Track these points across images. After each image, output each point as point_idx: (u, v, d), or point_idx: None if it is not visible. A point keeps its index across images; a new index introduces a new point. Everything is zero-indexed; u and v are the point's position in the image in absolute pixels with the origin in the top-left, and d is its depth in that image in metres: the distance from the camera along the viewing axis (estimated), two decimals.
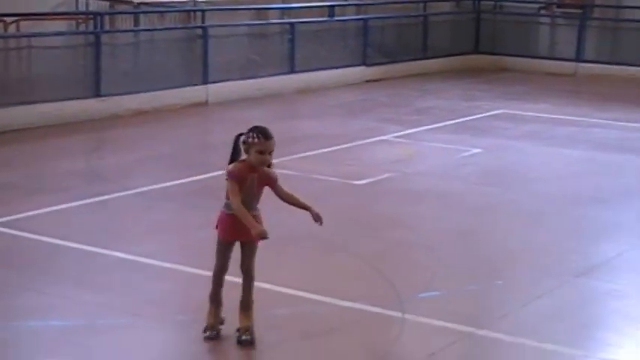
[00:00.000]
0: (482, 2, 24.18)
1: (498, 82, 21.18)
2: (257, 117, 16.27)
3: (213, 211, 11.25)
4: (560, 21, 23.71)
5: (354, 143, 14.69)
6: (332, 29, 20.64)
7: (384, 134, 15.40)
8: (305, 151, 13.85)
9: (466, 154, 14.30)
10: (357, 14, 21.53)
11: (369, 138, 15.06)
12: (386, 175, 12.75)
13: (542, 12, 24.13)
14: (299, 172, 12.61)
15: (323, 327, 7.78)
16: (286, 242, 9.29)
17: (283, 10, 20.29)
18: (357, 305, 8.15)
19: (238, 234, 7.12)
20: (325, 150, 14.13)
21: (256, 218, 7.02)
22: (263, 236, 6.89)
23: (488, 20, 23.93)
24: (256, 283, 8.33)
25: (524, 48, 23.27)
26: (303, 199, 7.16)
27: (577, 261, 9.77)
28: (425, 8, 23.03)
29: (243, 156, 7.07)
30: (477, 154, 14.30)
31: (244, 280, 7.34)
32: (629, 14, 22.77)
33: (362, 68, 20.62)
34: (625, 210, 11.68)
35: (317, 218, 7.12)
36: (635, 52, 22.08)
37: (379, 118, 16.78)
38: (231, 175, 6.98)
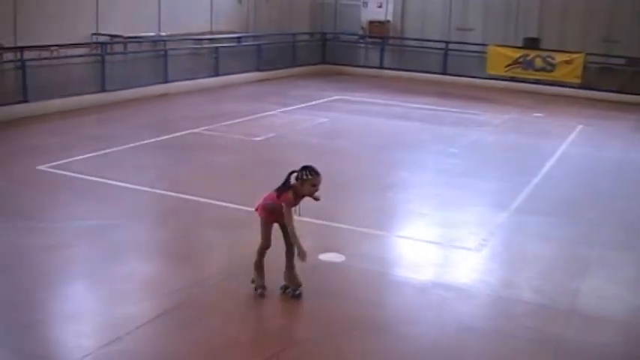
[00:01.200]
0: (327, 34, 24.10)
1: (336, 81, 21.08)
2: (198, 101, 16.05)
3: (179, 157, 11.07)
4: (370, 46, 23.72)
5: (253, 116, 14.46)
6: (240, 50, 20.31)
7: (271, 111, 15.18)
8: (225, 121, 13.59)
9: (318, 121, 14.22)
10: (254, 41, 21.16)
11: (262, 113, 14.82)
12: (272, 135, 12.61)
13: (361, 40, 24.12)
14: (222, 133, 12.46)
15: (237, 223, 7.71)
16: (218, 175, 9.14)
17: (211, 40, 19.87)
18: None
19: (274, 218, 5.91)
20: (237, 120, 13.87)
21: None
22: (303, 258, 5.68)
23: (330, 44, 23.78)
24: (198, 199, 8.23)
25: (351, 60, 23.23)
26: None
27: (385, 181, 9.90)
28: (294, 37, 22.79)
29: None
30: (325, 122, 14.23)
31: (288, 250, 5.98)
32: (409, 43, 23.00)
33: (257, 73, 20.32)
34: (413, 152, 11.83)
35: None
36: (411, 63, 22.28)
37: (268, 101, 16.54)
38: (288, 203, 5.76)
